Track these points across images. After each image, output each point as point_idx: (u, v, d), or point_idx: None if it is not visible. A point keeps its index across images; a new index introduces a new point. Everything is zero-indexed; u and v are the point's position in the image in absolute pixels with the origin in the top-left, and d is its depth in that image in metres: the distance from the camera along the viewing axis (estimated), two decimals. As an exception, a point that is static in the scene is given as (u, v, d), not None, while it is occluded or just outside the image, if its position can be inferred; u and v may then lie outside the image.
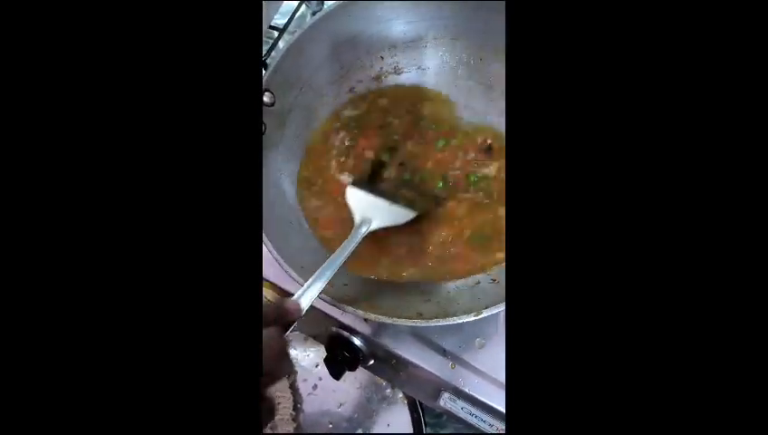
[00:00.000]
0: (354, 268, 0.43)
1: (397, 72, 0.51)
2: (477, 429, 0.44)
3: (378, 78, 0.51)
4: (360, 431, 0.58)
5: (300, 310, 0.30)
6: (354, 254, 0.37)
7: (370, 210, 0.39)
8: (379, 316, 0.36)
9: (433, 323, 0.35)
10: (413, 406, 0.58)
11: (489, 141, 0.47)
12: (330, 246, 0.44)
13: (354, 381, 0.59)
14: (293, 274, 0.37)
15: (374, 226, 0.39)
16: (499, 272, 0.42)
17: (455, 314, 0.35)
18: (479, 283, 0.42)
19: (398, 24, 0.49)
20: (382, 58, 0.50)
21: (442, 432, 0.58)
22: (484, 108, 0.48)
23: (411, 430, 0.57)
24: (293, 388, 0.60)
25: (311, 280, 0.33)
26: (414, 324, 0.36)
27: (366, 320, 0.44)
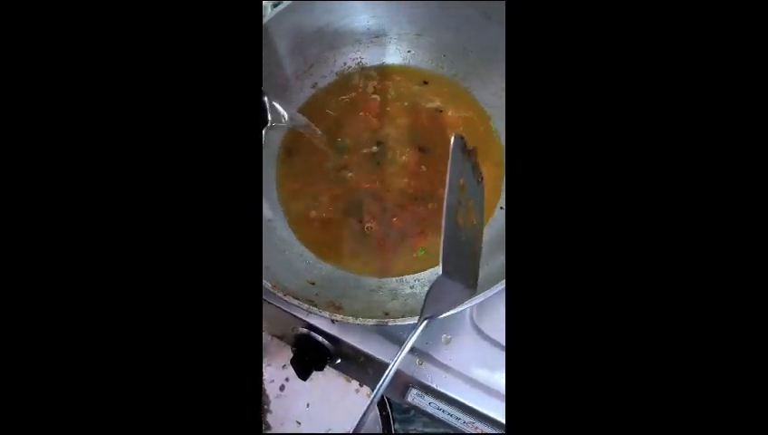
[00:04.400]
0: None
1: (361, 67, 0.50)
2: (445, 423, 0.44)
3: (341, 74, 0.50)
4: (330, 430, 0.58)
5: None
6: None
7: None
8: (347, 317, 0.36)
9: (399, 322, 0.35)
10: (381, 403, 0.58)
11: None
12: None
13: (321, 380, 0.59)
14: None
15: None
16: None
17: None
18: (445, 280, 0.42)
19: (363, 20, 0.48)
20: (346, 53, 0.50)
21: (410, 428, 0.58)
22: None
23: (380, 427, 0.57)
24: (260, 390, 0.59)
25: None
26: (380, 324, 0.35)
27: (333, 320, 0.44)
